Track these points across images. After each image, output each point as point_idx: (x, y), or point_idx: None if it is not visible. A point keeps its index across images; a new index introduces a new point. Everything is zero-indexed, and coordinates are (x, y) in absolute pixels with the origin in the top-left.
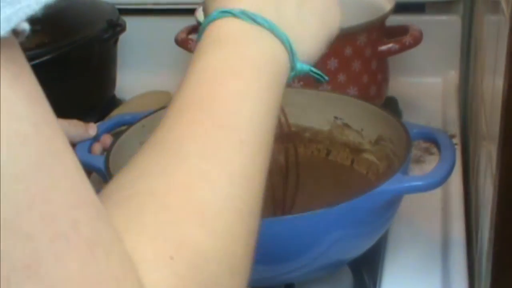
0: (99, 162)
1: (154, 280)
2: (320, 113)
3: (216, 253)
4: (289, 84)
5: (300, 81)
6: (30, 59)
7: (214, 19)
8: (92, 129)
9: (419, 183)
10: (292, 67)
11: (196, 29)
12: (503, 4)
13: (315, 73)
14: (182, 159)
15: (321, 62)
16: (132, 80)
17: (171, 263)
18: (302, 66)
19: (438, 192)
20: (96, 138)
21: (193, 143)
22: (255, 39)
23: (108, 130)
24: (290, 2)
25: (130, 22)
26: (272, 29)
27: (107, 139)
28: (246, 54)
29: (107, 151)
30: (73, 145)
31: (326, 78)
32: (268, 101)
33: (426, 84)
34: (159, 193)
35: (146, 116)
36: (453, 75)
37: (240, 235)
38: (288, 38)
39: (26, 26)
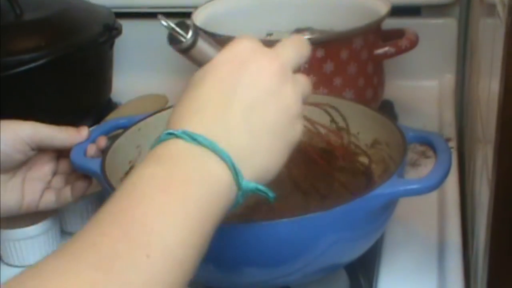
0: (96, 166)
1: None
2: (316, 117)
3: None
4: None
5: None
6: (26, 62)
7: (160, 141)
8: (83, 131)
9: (415, 186)
10: (238, 186)
11: None
12: (499, 8)
13: (261, 191)
14: (78, 265)
15: (317, 65)
16: (128, 83)
17: None
18: (248, 184)
19: (434, 195)
20: (91, 141)
21: (94, 252)
22: (193, 158)
23: (104, 134)
24: (237, 123)
25: (126, 25)
26: (213, 149)
27: (101, 140)
28: (178, 172)
29: (103, 154)
30: (68, 150)
31: (273, 195)
32: (197, 219)
33: (422, 88)
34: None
35: (142, 120)
36: (449, 79)
37: None
38: (230, 157)
39: None
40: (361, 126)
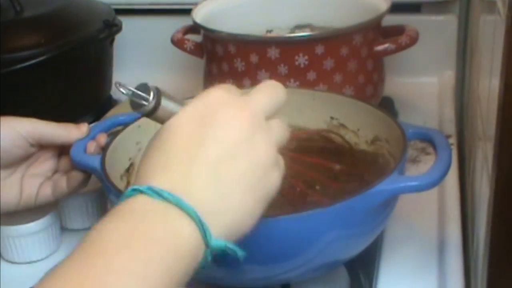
0: (95, 162)
1: None
2: (316, 113)
3: None
4: (284, 83)
5: (296, 81)
6: (26, 59)
7: (125, 197)
8: (84, 127)
9: (415, 183)
10: (206, 243)
11: (193, 29)
12: (499, 4)
13: (231, 250)
14: None
15: (317, 62)
16: (128, 80)
17: None
18: (217, 242)
19: (434, 192)
20: (91, 138)
21: None
22: (158, 215)
23: (104, 131)
24: (205, 178)
25: (126, 22)
26: (180, 205)
27: (101, 137)
28: (143, 229)
29: (103, 151)
30: (67, 147)
31: (242, 254)
32: (160, 279)
33: (422, 84)
34: None
35: (141, 117)
36: (449, 75)
37: None
38: (197, 213)
39: None
40: (361, 123)
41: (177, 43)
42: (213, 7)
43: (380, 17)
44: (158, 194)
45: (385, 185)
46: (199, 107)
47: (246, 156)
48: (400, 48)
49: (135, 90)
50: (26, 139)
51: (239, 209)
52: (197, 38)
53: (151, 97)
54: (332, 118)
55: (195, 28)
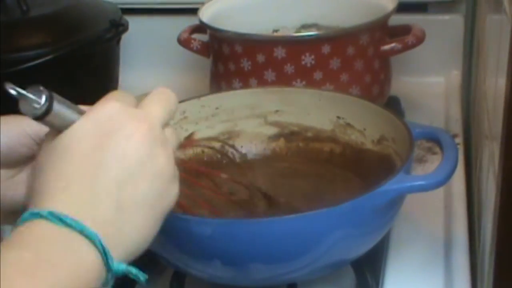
0: None
1: None
2: (323, 113)
3: None
4: (291, 83)
5: (302, 80)
6: (32, 58)
7: (24, 220)
8: None
9: (422, 182)
10: (108, 268)
11: (199, 28)
12: (506, 4)
13: (132, 274)
14: None
15: (324, 62)
16: (134, 79)
17: None
18: (118, 266)
19: (440, 191)
20: None
21: None
22: (60, 241)
23: None
24: (106, 201)
25: (133, 21)
26: (81, 230)
27: None
28: (45, 256)
29: None
30: None
31: (144, 277)
32: None
33: (429, 84)
34: None
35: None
36: (456, 75)
37: None
38: (99, 238)
39: None
40: (368, 123)
41: (183, 42)
42: (219, 6)
43: (386, 17)
44: (60, 220)
45: (391, 185)
46: (95, 124)
47: (147, 175)
48: (407, 47)
49: (25, 93)
50: (31, 137)
51: (139, 230)
52: (203, 37)
53: (42, 101)
54: (338, 117)
55: (201, 27)
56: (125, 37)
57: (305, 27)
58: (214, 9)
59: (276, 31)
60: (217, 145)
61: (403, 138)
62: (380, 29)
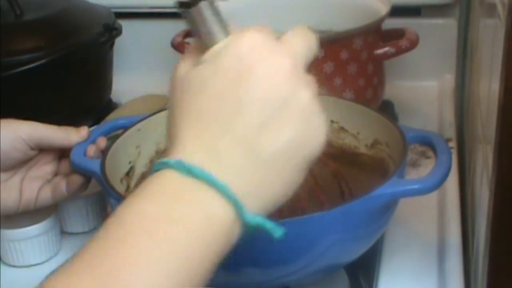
0: (95, 166)
1: None
2: None
3: None
4: None
5: None
6: (26, 62)
7: (154, 170)
8: (83, 131)
9: (415, 186)
10: (242, 220)
11: None
12: (499, 8)
13: (269, 228)
14: None
15: (317, 66)
16: (128, 83)
17: None
18: (254, 219)
19: (434, 195)
20: (91, 141)
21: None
22: (188, 194)
23: (103, 134)
24: (243, 149)
25: (126, 25)
26: (211, 182)
27: (101, 141)
28: (170, 211)
29: (103, 155)
30: (68, 150)
31: (281, 232)
32: (188, 264)
33: (422, 88)
34: None
35: (142, 120)
36: (449, 79)
37: None
38: (231, 191)
39: None
40: (361, 126)
41: (177, 46)
42: None
43: (380, 21)
44: (188, 171)
45: (385, 189)
46: (235, 55)
47: (290, 118)
48: (400, 51)
49: None
50: (26, 142)
51: (280, 181)
52: None
53: None
54: (332, 121)
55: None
56: (118, 41)
57: None
58: None
59: None
60: None
61: (396, 142)
62: (374, 33)
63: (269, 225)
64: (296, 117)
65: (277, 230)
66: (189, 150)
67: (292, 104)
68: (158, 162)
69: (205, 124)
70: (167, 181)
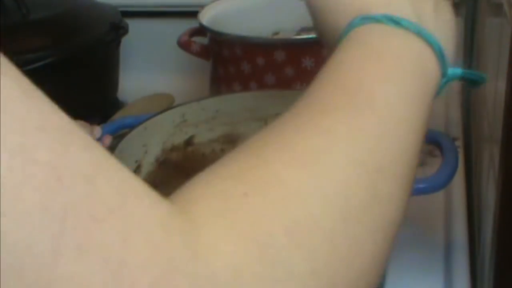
0: None
1: (213, 210)
2: None
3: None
4: (291, 86)
5: (302, 83)
6: (32, 61)
7: (354, 27)
8: (97, 131)
9: (422, 185)
10: (443, 73)
11: (199, 31)
12: (506, 7)
13: (471, 75)
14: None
15: (323, 64)
16: (134, 82)
17: (243, 198)
18: (455, 70)
19: (440, 194)
20: (97, 140)
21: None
22: (400, 43)
23: (110, 133)
24: (428, 2)
25: (133, 24)
26: (420, 33)
27: (106, 139)
28: (389, 57)
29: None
30: None
31: (484, 76)
32: (415, 99)
33: None
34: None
35: (148, 119)
36: None
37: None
38: (438, 41)
39: None
40: None
41: (183, 45)
42: (219, 9)
43: None
44: (396, 22)
45: None
46: None
47: None
48: None
49: None
50: None
51: (452, 40)
52: (203, 40)
53: None
54: None
55: (201, 30)
56: (125, 40)
57: (305, 30)
58: (214, 12)
59: (276, 34)
60: (217, 148)
61: None
62: None
63: (472, 72)
64: None
65: (480, 76)
66: (387, 7)
67: None
68: (358, 18)
69: None
70: (375, 33)
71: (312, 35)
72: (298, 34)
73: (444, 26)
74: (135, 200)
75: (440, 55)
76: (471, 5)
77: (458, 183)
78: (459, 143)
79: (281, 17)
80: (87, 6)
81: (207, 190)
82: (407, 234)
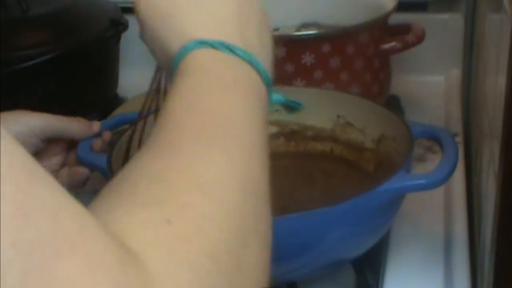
0: (102, 161)
1: (148, 241)
2: (323, 112)
3: (223, 220)
4: (291, 82)
5: (302, 79)
6: (32, 57)
7: (190, 49)
8: (95, 126)
9: (422, 181)
10: (268, 98)
11: None
12: (506, 3)
13: (291, 102)
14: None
15: (324, 60)
16: (134, 78)
17: (169, 226)
18: (277, 97)
19: (440, 190)
20: (97, 136)
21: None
22: (238, 71)
23: (110, 129)
24: (252, 26)
25: (133, 21)
26: (251, 61)
27: (106, 135)
28: (230, 81)
29: (110, 150)
30: (76, 142)
31: (302, 104)
32: (255, 117)
33: (429, 83)
34: (154, 171)
35: (148, 115)
36: (456, 74)
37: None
38: (265, 69)
39: None
40: (368, 121)
41: None
42: None
43: (386, 16)
44: (230, 49)
45: (391, 184)
46: None
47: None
48: (407, 46)
49: None
50: (38, 136)
51: (270, 61)
52: None
53: None
54: (338, 116)
55: None
56: (125, 36)
57: (305, 26)
58: None
59: (276, 30)
60: None
61: (403, 137)
62: (380, 28)
63: (292, 99)
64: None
65: (297, 103)
66: (219, 32)
67: None
68: (196, 41)
69: (225, 10)
70: (210, 58)
71: (312, 32)
72: (298, 30)
73: (266, 50)
74: (94, 235)
75: (267, 82)
76: (471, 1)
77: (458, 178)
78: (459, 139)
79: (281, 13)
80: (87, 2)
81: (133, 218)
82: (407, 229)
